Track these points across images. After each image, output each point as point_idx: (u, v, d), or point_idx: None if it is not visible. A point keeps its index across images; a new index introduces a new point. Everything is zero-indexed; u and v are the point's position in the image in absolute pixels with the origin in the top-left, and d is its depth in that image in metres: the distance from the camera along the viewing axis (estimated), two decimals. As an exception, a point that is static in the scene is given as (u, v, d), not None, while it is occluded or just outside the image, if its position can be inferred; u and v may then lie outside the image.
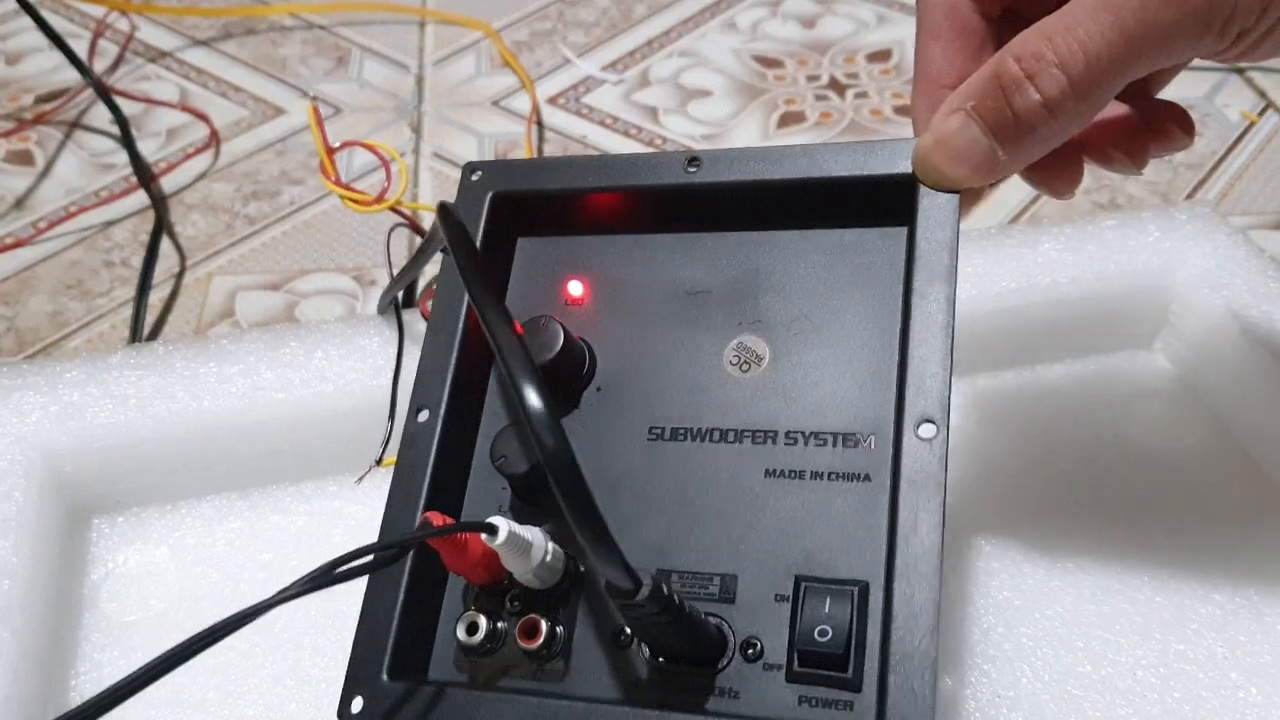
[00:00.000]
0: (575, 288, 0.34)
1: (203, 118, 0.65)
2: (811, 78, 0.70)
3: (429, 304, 0.41)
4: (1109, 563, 0.40)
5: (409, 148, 0.64)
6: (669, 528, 0.30)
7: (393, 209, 0.41)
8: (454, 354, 0.32)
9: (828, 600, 0.27)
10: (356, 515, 0.41)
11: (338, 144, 0.41)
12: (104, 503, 0.41)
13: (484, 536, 0.27)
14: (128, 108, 0.66)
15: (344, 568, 0.26)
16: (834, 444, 0.30)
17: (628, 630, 0.29)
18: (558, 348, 0.31)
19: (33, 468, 0.39)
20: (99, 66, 0.69)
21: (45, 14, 0.67)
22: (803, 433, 0.30)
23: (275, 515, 0.41)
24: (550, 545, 0.29)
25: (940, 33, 0.31)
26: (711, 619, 0.28)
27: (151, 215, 0.58)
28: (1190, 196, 0.61)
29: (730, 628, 0.28)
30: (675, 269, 0.33)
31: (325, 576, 0.25)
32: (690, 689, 0.28)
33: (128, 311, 0.53)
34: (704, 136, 0.65)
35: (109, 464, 0.40)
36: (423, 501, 0.31)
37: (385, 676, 0.29)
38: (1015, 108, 0.28)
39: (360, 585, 0.39)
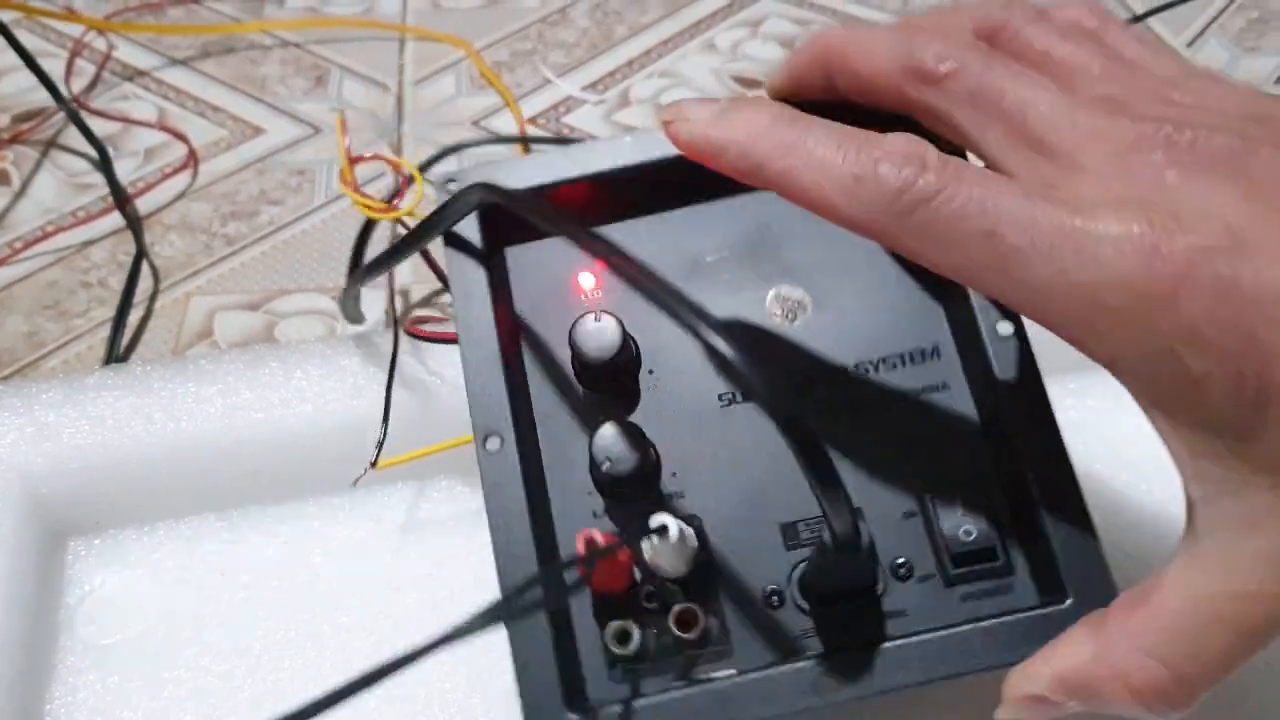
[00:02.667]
0: (585, 279, 0.33)
1: (181, 137, 0.65)
2: (790, 98, 0.70)
3: (420, 325, 0.41)
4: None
5: (389, 168, 0.64)
6: (776, 483, 0.30)
7: (410, 215, 0.41)
8: (500, 368, 0.31)
9: (959, 502, 0.29)
10: (337, 536, 0.41)
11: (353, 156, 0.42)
12: (81, 525, 0.41)
13: (654, 541, 0.27)
14: (105, 127, 0.65)
15: (522, 602, 0.27)
16: (904, 363, 0.31)
17: (776, 589, 0.29)
18: (619, 342, 0.31)
19: (8, 490, 0.38)
20: (76, 86, 0.69)
21: (21, 33, 0.67)
22: (870, 361, 0.31)
23: (254, 536, 0.41)
24: (683, 526, 0.28)
25: None
26: None
27: (129, 235, 0.58)
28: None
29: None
30: (683, 242, 0.33)
31: (504, 611, 0.26)
32: (858, 624, 0.29)
33: (105, 332, 0.52)
34: (684, 156, 0.65)
35: (86, 485, 0.40)
36: (530, 531, 0.30)
37: (566, 710, 0.28)
38: None
39: (353, 600, 0.39)
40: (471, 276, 0.33)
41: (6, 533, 0.37)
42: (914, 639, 0.28)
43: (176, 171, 0.63)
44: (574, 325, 0.31)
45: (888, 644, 0.28)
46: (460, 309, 0.32)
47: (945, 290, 0.32)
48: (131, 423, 0.40)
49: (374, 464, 0.40)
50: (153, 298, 0.55)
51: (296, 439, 0.41)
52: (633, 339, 0.32)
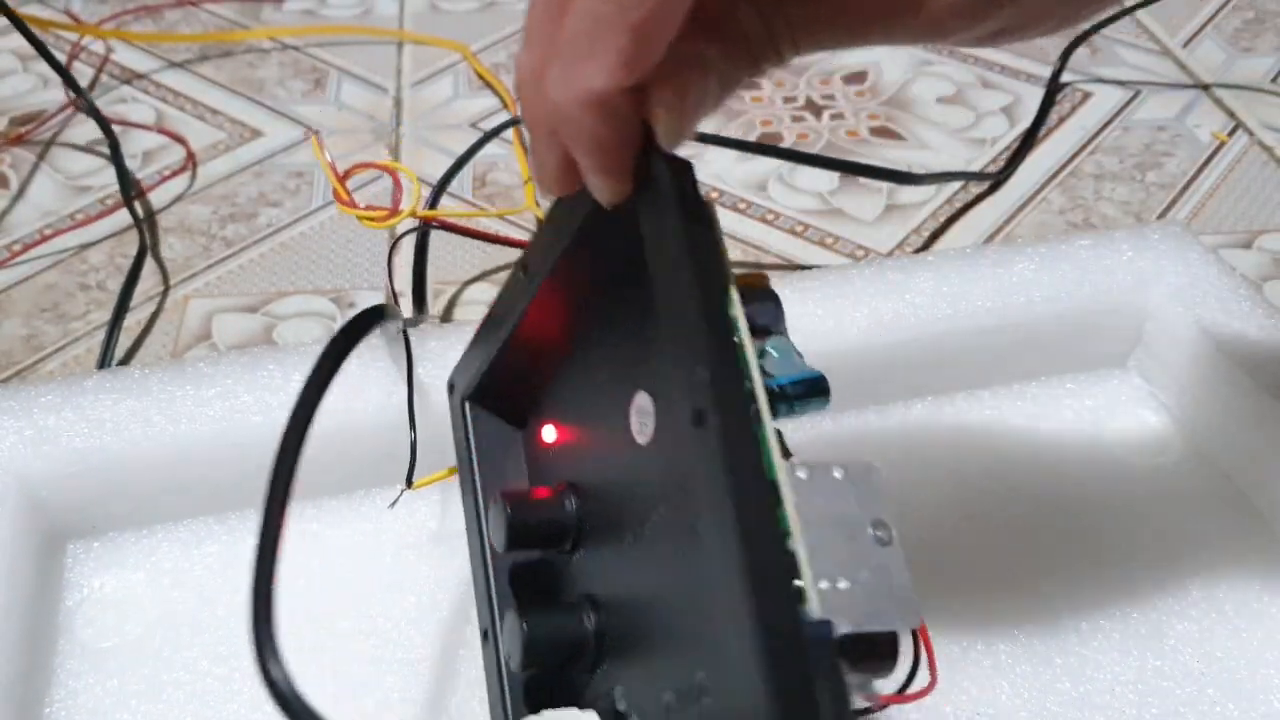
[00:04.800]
0: (548, 433, 0.34)
1: (179, 140, 0.65)
2: (788, 99, 0.70)
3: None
4: (1085, 579, 0.40)
5: (388, 174, 0.64)
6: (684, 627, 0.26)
7: (413, 215, 0.41)
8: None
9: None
10: (334, 539, 0.41)
11: (346, 169, 0.41)
12: (79, 527, 0.41)
13: None
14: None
15: None
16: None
17: None
18: (504, 539, 0.31)
19: (7, 493, 0.38)
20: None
21: (17, 35, 0.67)
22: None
23: (253, 539, 0.41)
24: None
25: None
26: None
27: (128, 238, 0.58)
28: (1162, 216, 0.61)
29: None
30: (592, 364, 0.32)
31: None
32: None
33: (103, 335, 0.52)
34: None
35: (85, 488, 0.40)
36: None
37: None
38: None
39: (351, 603, 0.39)
40: (465, 467, 0.34)
41: (5, 536, 0.37)
42: None
43: (175, 174, 0.63)
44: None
45: None
46: (464, 500, 0.34)
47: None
48: (130, 425, 0.40)
49: (409, 485, 0.40)
50: (164, 294, 0.55)
51: (295, 441, 0.41)
52: (572, 488, 0.31)
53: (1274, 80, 0.73)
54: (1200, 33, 0.78)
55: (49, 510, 0.40)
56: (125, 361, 0.51)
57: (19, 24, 0.62)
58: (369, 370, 0.42)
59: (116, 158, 0.62)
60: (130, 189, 0.60)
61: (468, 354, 0.36)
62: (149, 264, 0.57)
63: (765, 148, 0.63)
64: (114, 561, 0.40)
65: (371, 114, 0.69)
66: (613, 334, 0.30)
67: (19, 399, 0.41)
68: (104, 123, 0.63)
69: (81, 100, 0.66)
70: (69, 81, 0.64)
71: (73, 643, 0.38)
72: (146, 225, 0.59)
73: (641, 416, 0.28)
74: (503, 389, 0.35)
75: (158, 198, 0.61)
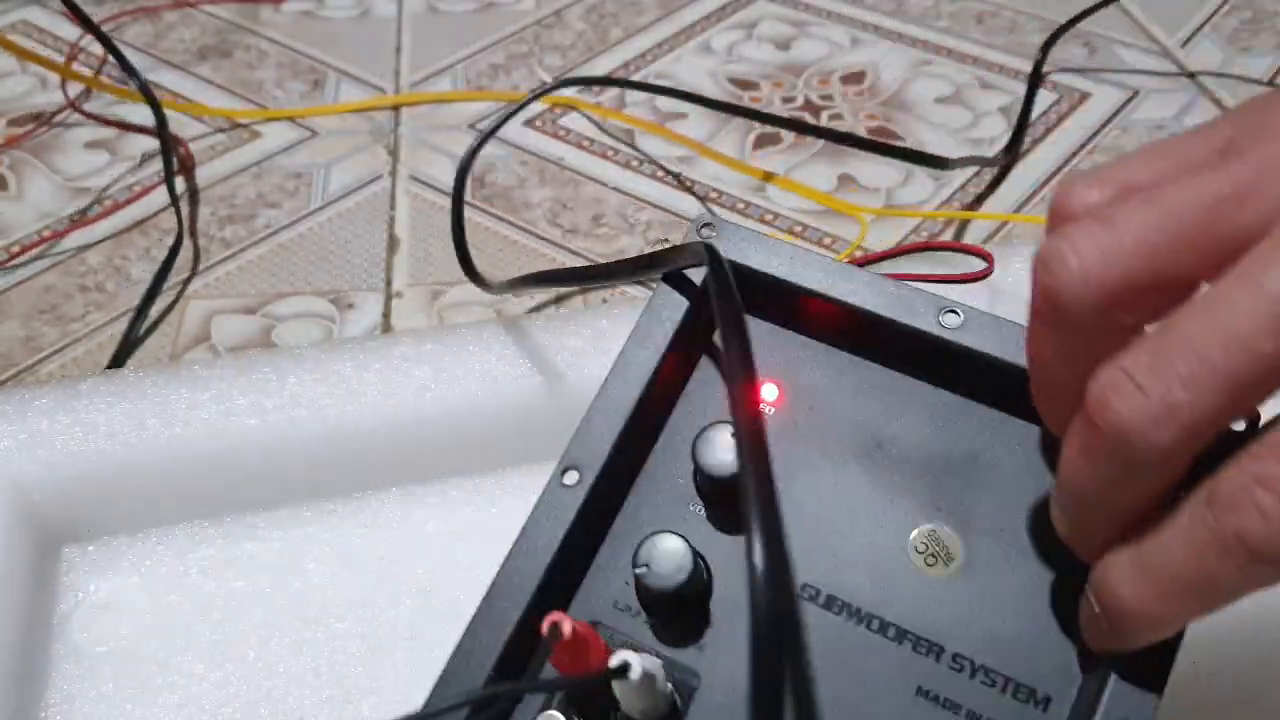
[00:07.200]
0: (770, 391, 0.30)
1: (178, 141, 0.65)
2: (787, 99, 0.70)
3: None
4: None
5: (385, 170, 0.64)
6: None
7: None
8: (626, 416, 0.29)
9: None
10: (331, 542, 0.41)
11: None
12: (74, 531, 0.41)
13: (614, 683, 0.24)
14: (101, 132, 0.66)
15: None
16: (1003, 689, 0.26)
17: None
18: (731, 460, 0.28)
19: (1, 497, 0.38)
20: (73, 90, 0.69)
21: (16, 37, 0.67)
22: (972, 661, 0.26)
23: (248, 543, 0.41)
24: (651, 669, 0.25)
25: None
26: None
27: (126, 239, 0.58)
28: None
29: None
30: (883, 411, 0.29)
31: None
32: None
33: (102, 337, 0.52)
34: (680, 158, 0.65)
35: (79, 492, 0.40)
36: (540, 580, 0.27)
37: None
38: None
39: (347, 606, 0.39)
40: (661, 321, 0.31)
41: None
42: None
43: (173, 175, 0.63)
44: (701, 431, 0.28)
45: None
46: (630, 343, 0.30)
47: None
48: (125, 429, 0.40)
49: None
50: (188, 280, 0.55)
51: (290, 444, 0.41)
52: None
53: (1272, 80, 0.73)
54: (1198, 33, 0.78)
55: (43, 514, 0.40)
56: (120, 364, 0.51)
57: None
58: (363, 373, 0.42)
59: (162, 133, 0.61)
60: (172, 168, 0.61)
61: (773, 247, 0.32)
62: (146, 265, 0.57)
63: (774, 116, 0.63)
64: (108, 565, 0.40)
65: (370, 115, 0.68)
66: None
67: (13, 403, 0.41)
68: (152, 100, 0.63)
69: (70, 110, 0.66)
70: (123, 63, 0.63)
71: (67, 647, 0.38)
72: (187, 201, 0.59)
73: (934, 545, 0.27)
74: (765, 296, 0.31)
75: (156, 199, 0.61)
